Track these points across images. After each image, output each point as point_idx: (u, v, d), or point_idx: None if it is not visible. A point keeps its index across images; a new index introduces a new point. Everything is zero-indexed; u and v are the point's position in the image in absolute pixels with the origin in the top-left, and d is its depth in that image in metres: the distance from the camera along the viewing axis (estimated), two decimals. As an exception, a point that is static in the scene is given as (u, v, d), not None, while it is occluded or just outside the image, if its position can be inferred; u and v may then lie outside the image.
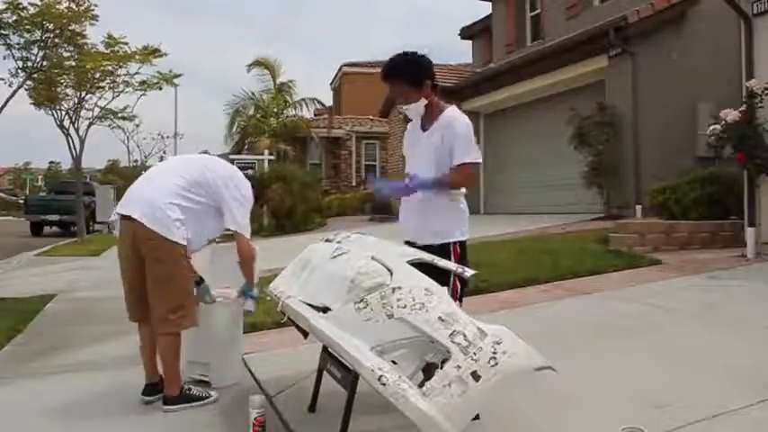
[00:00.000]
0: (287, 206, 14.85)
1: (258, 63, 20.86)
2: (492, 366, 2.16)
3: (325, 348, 2.89)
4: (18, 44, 15.44)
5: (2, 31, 15.03)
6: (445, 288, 2.50)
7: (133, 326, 3.49)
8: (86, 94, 17.56)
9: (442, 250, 2.90)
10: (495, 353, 2.17)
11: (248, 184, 3.54)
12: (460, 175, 3.00)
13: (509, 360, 2.20)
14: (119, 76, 17.57)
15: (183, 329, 3.31)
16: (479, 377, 2.15)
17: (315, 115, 24.00)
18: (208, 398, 3.42)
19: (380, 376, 2.18)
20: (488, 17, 17.30)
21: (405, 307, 2.33)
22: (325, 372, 2.94)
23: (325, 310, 2.64)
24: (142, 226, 3.19)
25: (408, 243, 3.04)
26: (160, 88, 18.52)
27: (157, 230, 3.18)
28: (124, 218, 3.31)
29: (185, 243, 3.25)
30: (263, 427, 2.77)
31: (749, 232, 6.94)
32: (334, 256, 2.83)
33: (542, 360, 2.38)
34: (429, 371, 2.32)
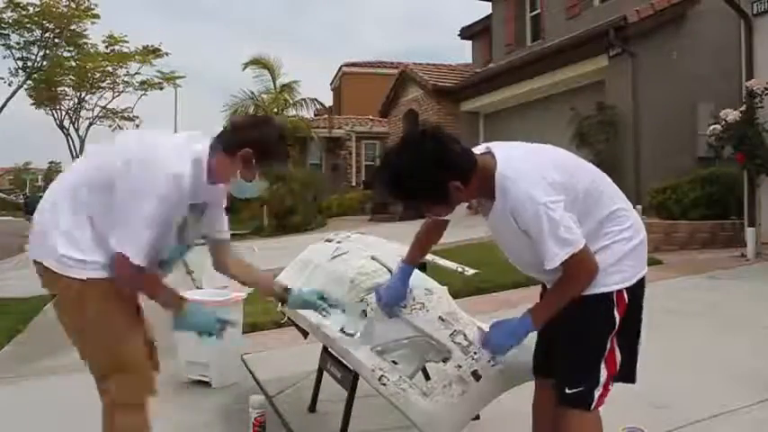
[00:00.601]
0: (287, 206, 14.85)
1: (256, 62, 20.77)
2: (492, 366, 2.16)
3: (325, 348, 2.89)
4: (18, 44, 15.48)
5: (2, 31, 15.05)
6: (445, 287, 2.49)
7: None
8: (86, 94, 17.61)
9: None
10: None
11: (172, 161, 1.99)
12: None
13: (509, 359, 2.20)
14: (119, 76, 17.62)
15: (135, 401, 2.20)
16: (480, 377, 2.16)
17: (315, 115, 23.99)
18: None
19: (381, 376, 2.18)
20: (488, 17, 17.29)
21: (405, 307, 2.34)
22: (325, 372, 2.94)
23: (325, 310, 2.64)
24: None
25: None
26: (161, 88, 18.58)
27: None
28: None
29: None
30: (263, 427, 2.77)
31: (749, 232, 6.94)
32: (335, 257, 2.83)
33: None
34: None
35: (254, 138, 2.08)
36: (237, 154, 2.06)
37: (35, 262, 2.09)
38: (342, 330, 2.45)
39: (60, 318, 2.19)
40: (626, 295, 1.93)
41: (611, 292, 1.91)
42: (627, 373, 2.02)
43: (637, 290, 1.97)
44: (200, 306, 2.28)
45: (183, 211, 2.06)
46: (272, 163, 2.15)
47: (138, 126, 24.47)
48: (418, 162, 1.83)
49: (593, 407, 1.93)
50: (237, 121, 2.20)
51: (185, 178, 1.97)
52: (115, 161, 2.00)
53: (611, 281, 1.91)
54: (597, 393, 1.93)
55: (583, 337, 1.94)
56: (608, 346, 1.93)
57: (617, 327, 1.93)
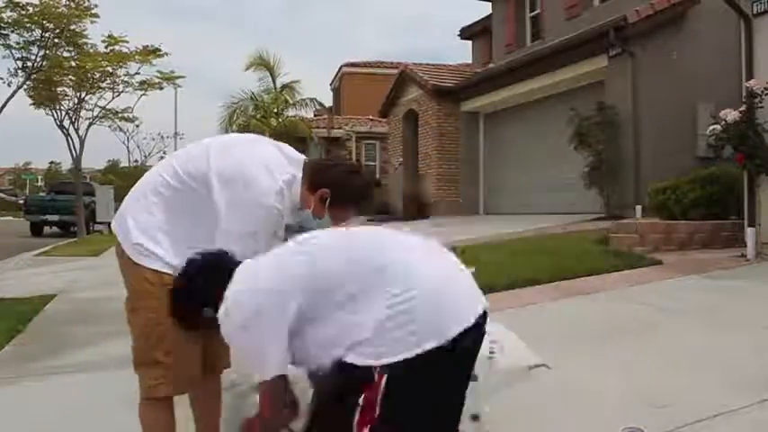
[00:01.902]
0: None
1: (257, 63, 20.76)
2: (490, 367, 2.16)
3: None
4: (17, 44, 15.48)
5: (1, 31, 15.04)
6: None
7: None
8: (86, 94, 17.59)
9: None
10: (492, 352, 2.17)
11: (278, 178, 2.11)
12: None
13: (506, 359, 2.20)
14: (118, 76, 17.61)
15: (155, 396, 2.20)
16: (476, 377, 2.15)
17: (315, 115, 24.00)
18: None
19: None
20: (488, 17, 17.30)
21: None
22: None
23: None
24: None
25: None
26: (161, 88, 18.57)
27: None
28: None
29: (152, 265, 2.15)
30: (263, 428, 2.76)
31: (749, 232, 6.93)
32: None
33: (536, 358, 2.39)
34: None
35: (339, 183, 2.13)
36: (318, 191, 2.12)
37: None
38: None
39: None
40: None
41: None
42: None
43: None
44: None
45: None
46: (343, 210, 2.16)
47: (138, 126, 24.52)
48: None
49: None
50: (327, 161, 2.27)
51: (279, 208, 2.09)
52: (210, 175, 2.10)
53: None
54: None
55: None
56: None
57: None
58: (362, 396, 1.51)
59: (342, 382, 1.56)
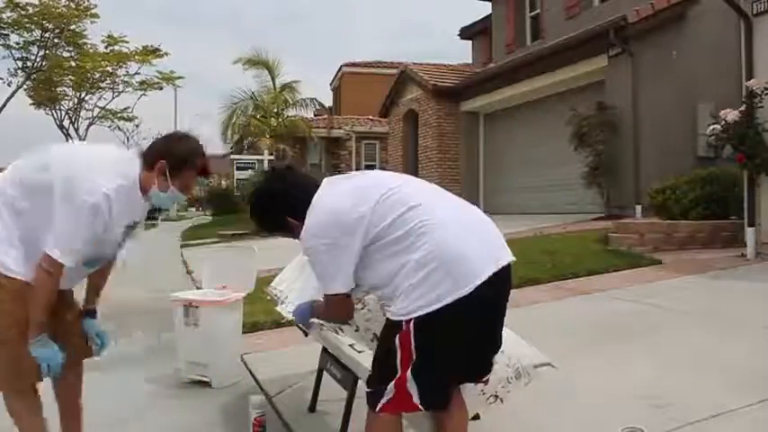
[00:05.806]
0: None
1: (252, 62, 20.65)
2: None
3: (325, 348, 2.89)
4: (17, 44, 15.50)
5: (1, 31, 15.06)
6: None
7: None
8: (86, 94, 17.62)
9: None
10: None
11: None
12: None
13: (508, 358, 2.20)
14: (118, 76, 17.64)
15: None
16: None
17: (315, 115, 23.97)
18: None
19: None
20: (488, 17, 17.30)
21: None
22: (325, 372, 2.94)
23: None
24: None
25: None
26: (160, 88, 18.58)
27: None
28: None
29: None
30: (263, 428, 2.77)
31: (749, 232, 6.93)
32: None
33: (541, 357, 2.39)
34: None
35: (168, 151, 2.23)
36: (155, 167, 2.20)
37: None
38: (351, 347, 2.47)
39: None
40: (411, 326, 1.91)
41: (401, 321, 1.94)
42: (431, 403, 2.01)
43: (432, 322, 1.89)
44: (47, 342, 2.23)
45: (111, 230, 2.18)
46: (184, 175, 2.23)
47: (137, 126, 24.48)
48: (264, 204, 2.26)
49: (377, 409, 2.01)
50: (159, 137, 2.39)
51: (104, 206, 2.10)
52: (44, 177, 2.13)
53: (400, 310, 1.94)
54: (382, 401, 2.00)
55: (380, 350, 2.06)
56: (398, 369, 1.95)
57: (411, 355, 1.92)
58: (398, 342, 1.93)
59: (384, 333, 2.04)
